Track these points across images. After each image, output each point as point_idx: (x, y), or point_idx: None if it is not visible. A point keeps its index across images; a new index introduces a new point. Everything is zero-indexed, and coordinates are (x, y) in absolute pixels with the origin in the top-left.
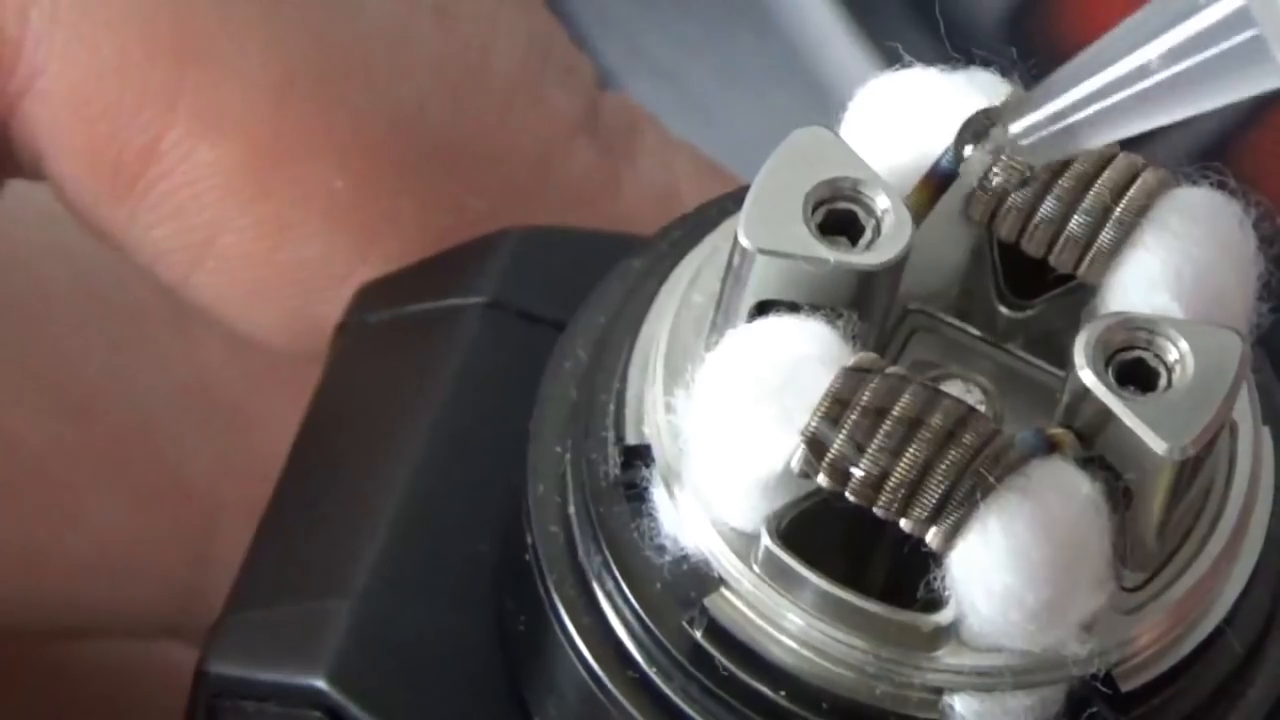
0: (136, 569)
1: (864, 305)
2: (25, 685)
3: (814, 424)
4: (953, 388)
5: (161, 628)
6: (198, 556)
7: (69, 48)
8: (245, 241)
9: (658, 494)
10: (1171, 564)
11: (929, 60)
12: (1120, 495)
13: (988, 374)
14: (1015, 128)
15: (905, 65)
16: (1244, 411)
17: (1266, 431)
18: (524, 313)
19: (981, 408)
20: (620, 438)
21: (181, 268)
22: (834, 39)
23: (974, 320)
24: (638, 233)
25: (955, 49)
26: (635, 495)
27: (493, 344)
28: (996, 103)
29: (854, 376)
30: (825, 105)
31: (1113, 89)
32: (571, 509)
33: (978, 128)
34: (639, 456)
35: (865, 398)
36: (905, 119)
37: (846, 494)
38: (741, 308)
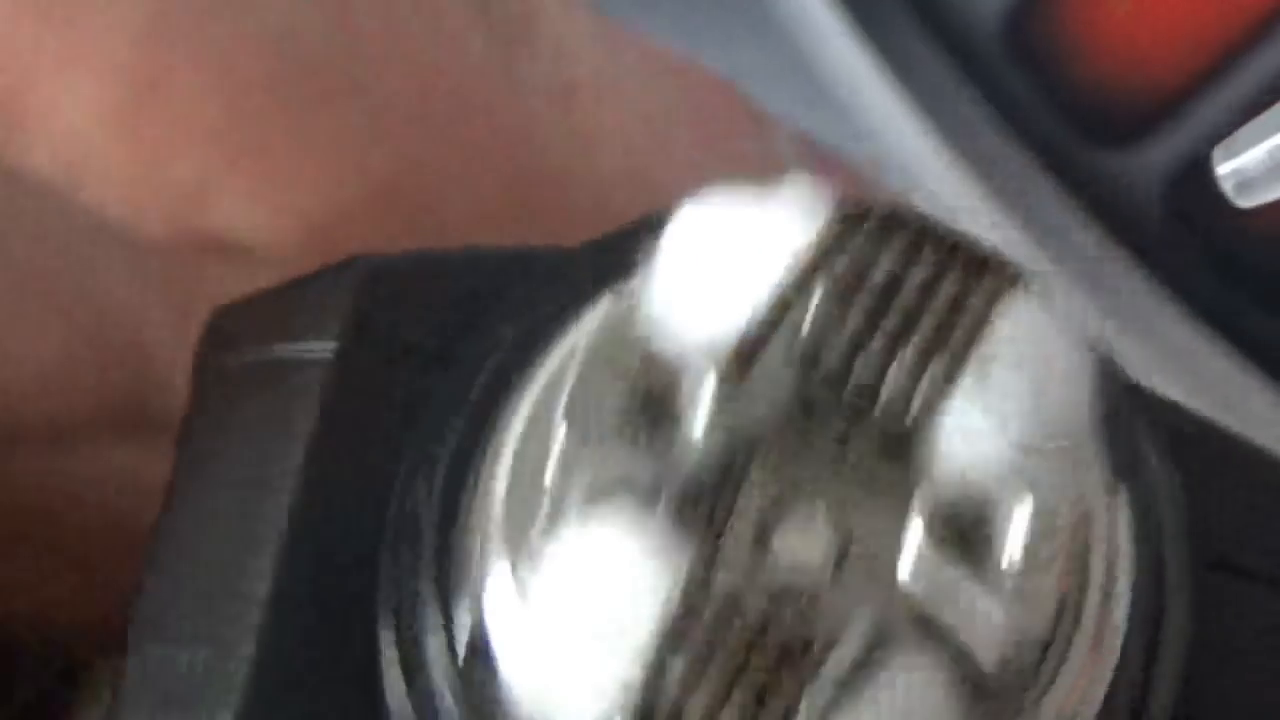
0: (72, 387)
1: (699, 467)
2: None
3: (639, 687)
4: (794, 521)
5: (109, 434)
6: (135, 374)
7: None
8: (118, 168)
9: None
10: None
11: (927, 62)
12: (969, 665)
13: (833, 490)
14: (1224, 169)
15: (710, 197)
16: (1095, 491)
17: (1124, 512)
18: (379, 355)
19: (826, 537)
20: (458, 623)
21: (61, 190)
22: (834, 39)
23: (815, 436)
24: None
25: (954, 50)
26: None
27: (348, 394)
28: (810, 238)
29: (679, 624)
30: (825, 105)
31: None
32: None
33: (788, 285)
34: (478, 654)
35: (690, 647)
36: (714, 270)
37: None
38: (572, 497)
